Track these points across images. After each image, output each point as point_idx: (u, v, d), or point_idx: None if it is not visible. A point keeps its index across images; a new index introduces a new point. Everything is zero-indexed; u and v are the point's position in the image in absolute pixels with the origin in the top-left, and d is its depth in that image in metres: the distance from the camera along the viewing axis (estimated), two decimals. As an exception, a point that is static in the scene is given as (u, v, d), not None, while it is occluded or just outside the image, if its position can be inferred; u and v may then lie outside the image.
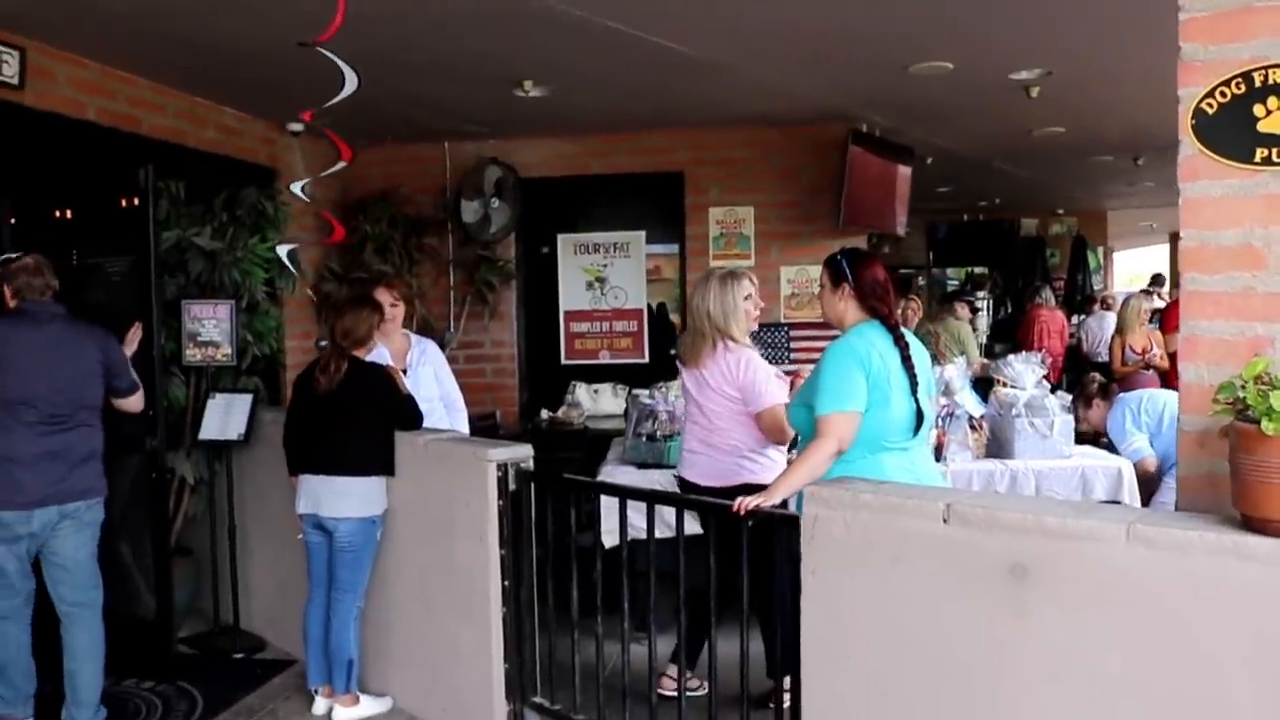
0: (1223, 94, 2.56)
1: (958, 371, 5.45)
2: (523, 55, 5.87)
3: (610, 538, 4.10)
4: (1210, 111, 2.58)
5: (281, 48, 4.89)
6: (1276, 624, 2.22)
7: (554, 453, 7.50)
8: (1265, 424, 2.14)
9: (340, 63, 4.08)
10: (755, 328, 4.57)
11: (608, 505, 4.11)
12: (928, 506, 2.72)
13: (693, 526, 3.71)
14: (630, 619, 3.91)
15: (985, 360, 9.00)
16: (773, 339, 7.80)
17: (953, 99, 7.07)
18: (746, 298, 4.47)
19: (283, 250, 5.89)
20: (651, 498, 3.88)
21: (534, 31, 5.29)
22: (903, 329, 3.70)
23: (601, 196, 8.48)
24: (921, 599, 2.77)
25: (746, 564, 3.34)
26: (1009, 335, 12.95)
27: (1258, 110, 2.52)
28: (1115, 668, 2.43)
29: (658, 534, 3.77)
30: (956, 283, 17.04)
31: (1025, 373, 5.37)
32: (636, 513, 3.89)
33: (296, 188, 5.59)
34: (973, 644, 2.68)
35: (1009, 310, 15.68)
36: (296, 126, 7.05)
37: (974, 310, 12.49)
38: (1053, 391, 5.48)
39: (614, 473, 5.38)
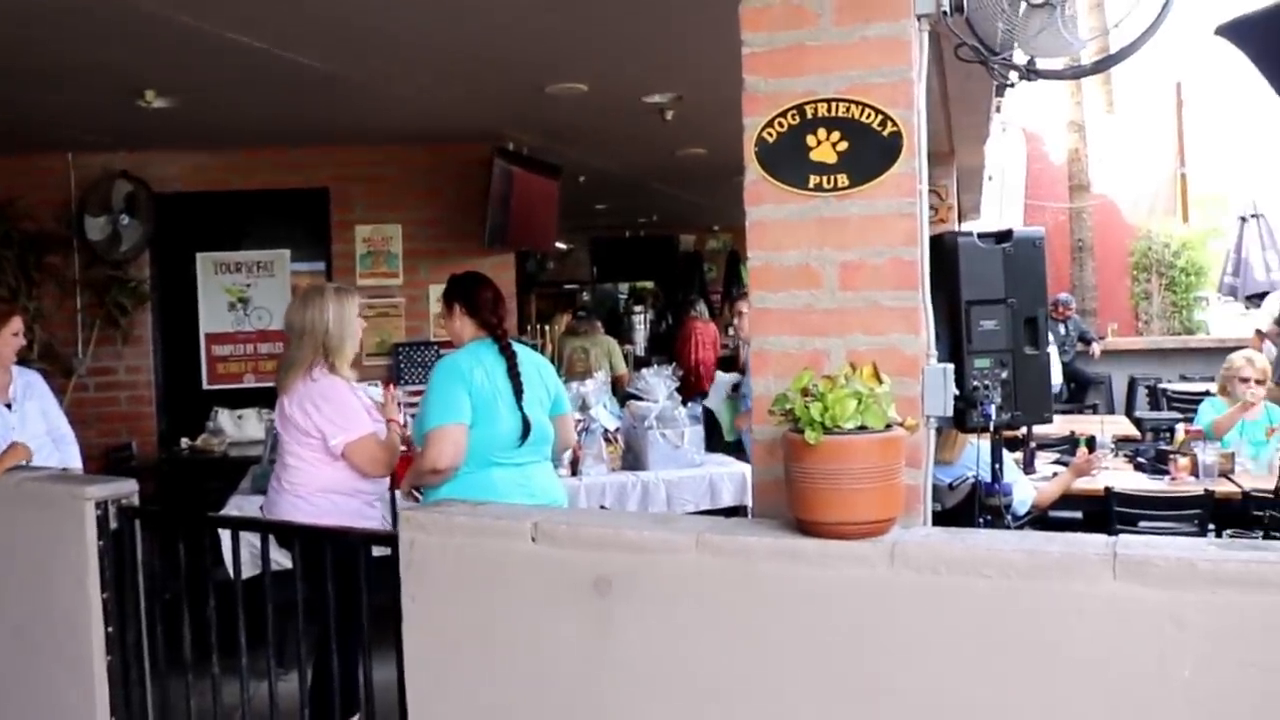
0: (781, 124, 2.73)
1: (594, 386, 5.57)
2: (140, 64, 5.52)
3: (243, 570, 3.89)
4: (771, 140, 2.74)
5: None
6: (829, 619, 2.39)
7: (198, 482, 7.10)
8: (809, 433, 2.29)
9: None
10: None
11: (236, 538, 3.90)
12: (517, 526, 2.74)
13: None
14: (248, 657, 3.72)
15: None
16: (422, 358, 7.74)
17: (591, 119, 7.26)
18: (358, 316, 4.23)
19: None
20: (266, 528, 3.72)
21: (149, 39, 4.99)
22: (518, 343, 3.77)
23: (243, 213, 8.15)
24: (518, 619, 2.78)
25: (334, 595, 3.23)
26: (668, 347, 13.46)
27: (810, 140, 2.71)
28: (702, 674, 2.53)
29: (287, 566, 3.61)
30: (624, 297, 17.57)
31: (658, 385, 5.56)
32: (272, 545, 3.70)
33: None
34: (569, 661, 2.72)
35: (669, 323, 16.32)
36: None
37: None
38: (684, 402, 5.70)
39: (242, 504, 5.14)
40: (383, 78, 5.94)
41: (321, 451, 4.03)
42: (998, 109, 11.47)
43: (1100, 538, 2.36)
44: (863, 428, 2.33)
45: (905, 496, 2.56)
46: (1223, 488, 5.16)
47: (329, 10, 4.70)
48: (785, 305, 2.73)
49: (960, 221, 14.10)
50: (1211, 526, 5.11)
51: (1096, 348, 12.01)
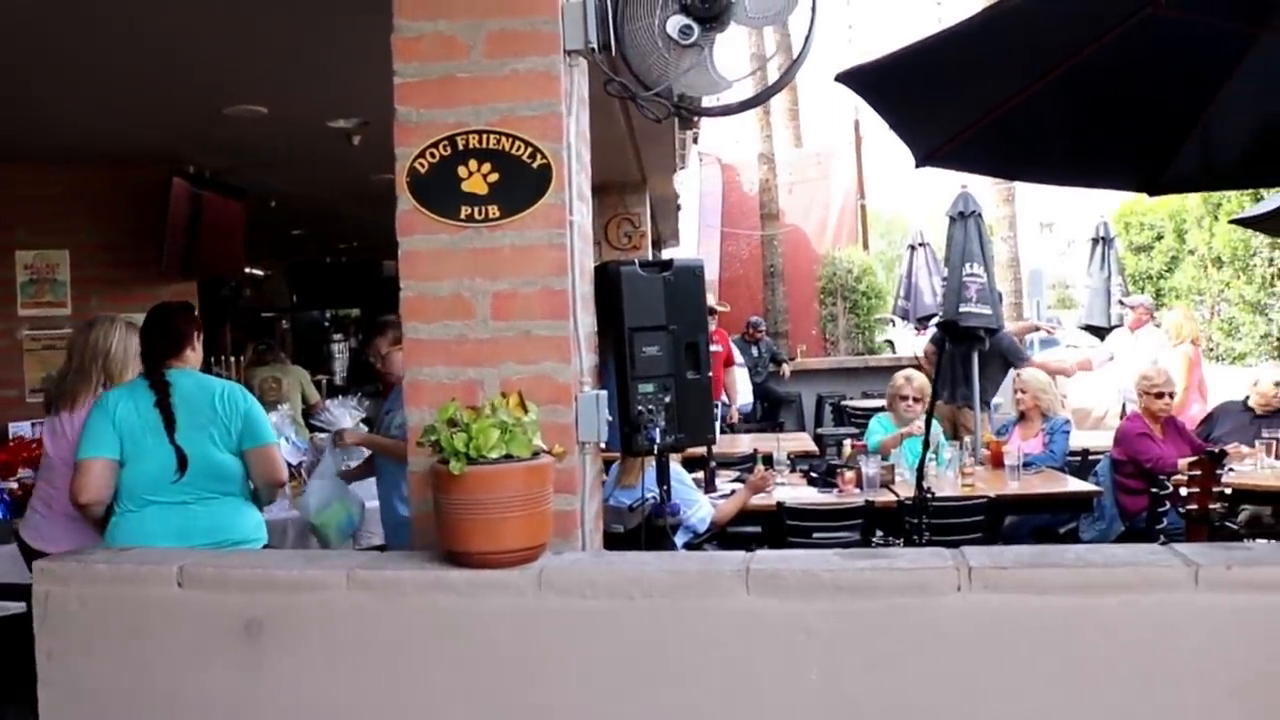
0: (433, 155, 2.73)
1: (277, 419, 5.37)
2: None
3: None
4: (423, 170, 2.74)
5: None
6: (481, 648, 2.39)
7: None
8: (453, 464, 2.29)
9: None
10: None
11: None
12: (161, 571, 2.60)
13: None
14: None
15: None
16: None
17: (276, 142, 7.03)
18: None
19: None
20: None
21: None
22: (198, 374, 3.62)
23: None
24: (167, 670, 2.62)
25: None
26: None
27: (461, 171, 2.72)
28: (359, 712, 2.47)
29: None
30: (329, 324, 17.09)
31: (342, 416, 5.41)
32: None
33: None
34: (222, 710, 2.59)
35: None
36: None
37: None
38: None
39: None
40: (48, 94, 5.54)
41: None
42: (695, 140, 11.96)
43: (737, 554, 2.48)
44: (509, 456, 2.35)
45: (559, 523, 2.61)
46: (883, 497, 5.55)
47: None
48: (438, 336, 2.73)
49: (659, 248, 14.59)
50: (881, 533, 5.48)
51: (787, 368, 12.64)
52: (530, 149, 2.71)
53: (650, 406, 3.30)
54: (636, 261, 3.35)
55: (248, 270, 12.72)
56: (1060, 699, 2.30)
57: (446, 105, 2.74)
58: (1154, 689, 2.27)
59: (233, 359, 9.76)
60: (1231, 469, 5.56)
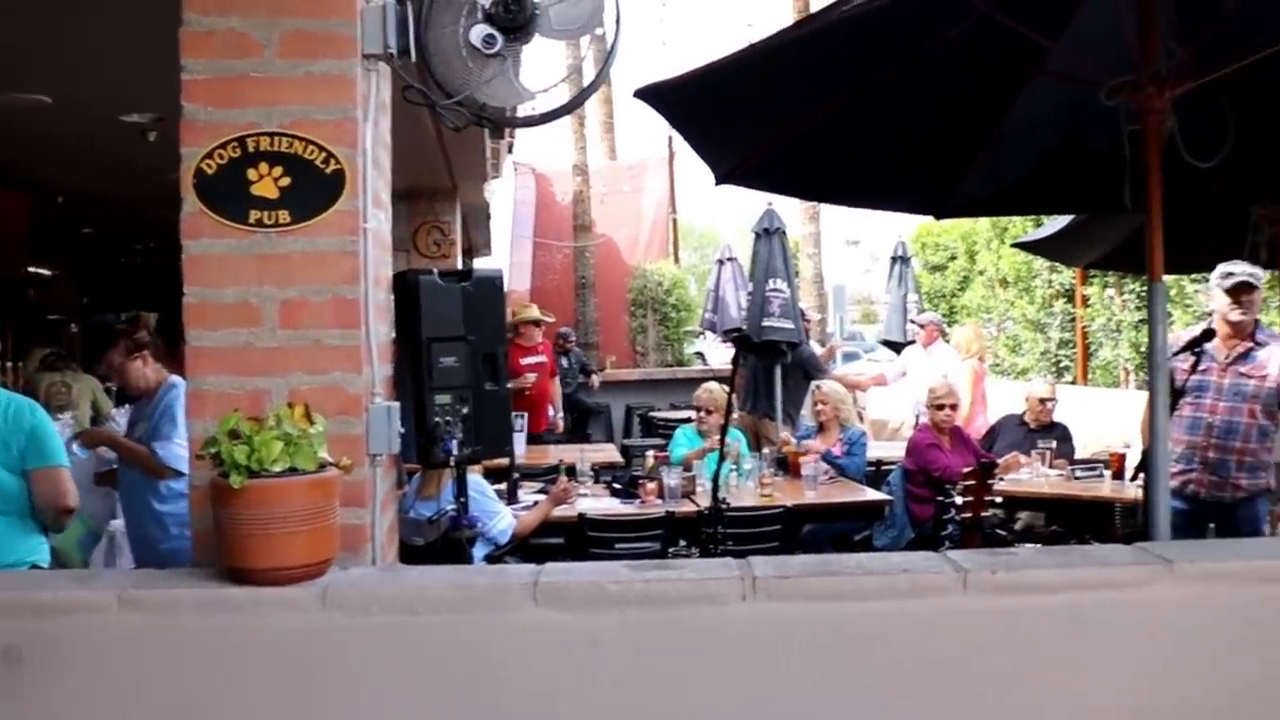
0: (221, 156, 2.64)
1: (62, 426, 5.09)
2: None
3: None
4: (210, 172, 2.64)
5: None
6: (266, 669, 2.31)
7: None
8: (234, 477, 2.21)
9: None
10: None
11: None
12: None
13: None
14: None
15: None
16: None
17: (62, 135, 6.67)
18: None
19: None
20: None
21: None
22: None
23: None
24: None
25: None
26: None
27: (251, 174, 2.63)
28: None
29: None
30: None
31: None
32: None
33: None
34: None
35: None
36: None
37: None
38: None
39: None
40: None
41: None
42: (509, 149, 11.90)
43: (527, 567, 2.47)
44: (293, 470, 2.28)
45: (348, 537, 2.55)
46: (684, 508, 5.64)
47: None
48: (223, 344, 2.63)
49: (470, 257, 14.48)
50: (684, 543, 5.57)
51: (596, 379, 12.71)
52: (324, 154, 2.64)
53: (447, 418, 3.26)
54: (435, 271, 3.32)
55: (31, 269, 12.01)
56: (840, 703, 2.38)
57: (237, 105, 2.65)
58: (927, 690, 2.38)
59: (11, 364, 9.21)
60: (1003, 479, 5.88)
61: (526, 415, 8.86)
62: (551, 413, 9.40)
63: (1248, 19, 3.61)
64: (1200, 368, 4.96)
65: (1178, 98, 3.67)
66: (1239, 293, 4.92)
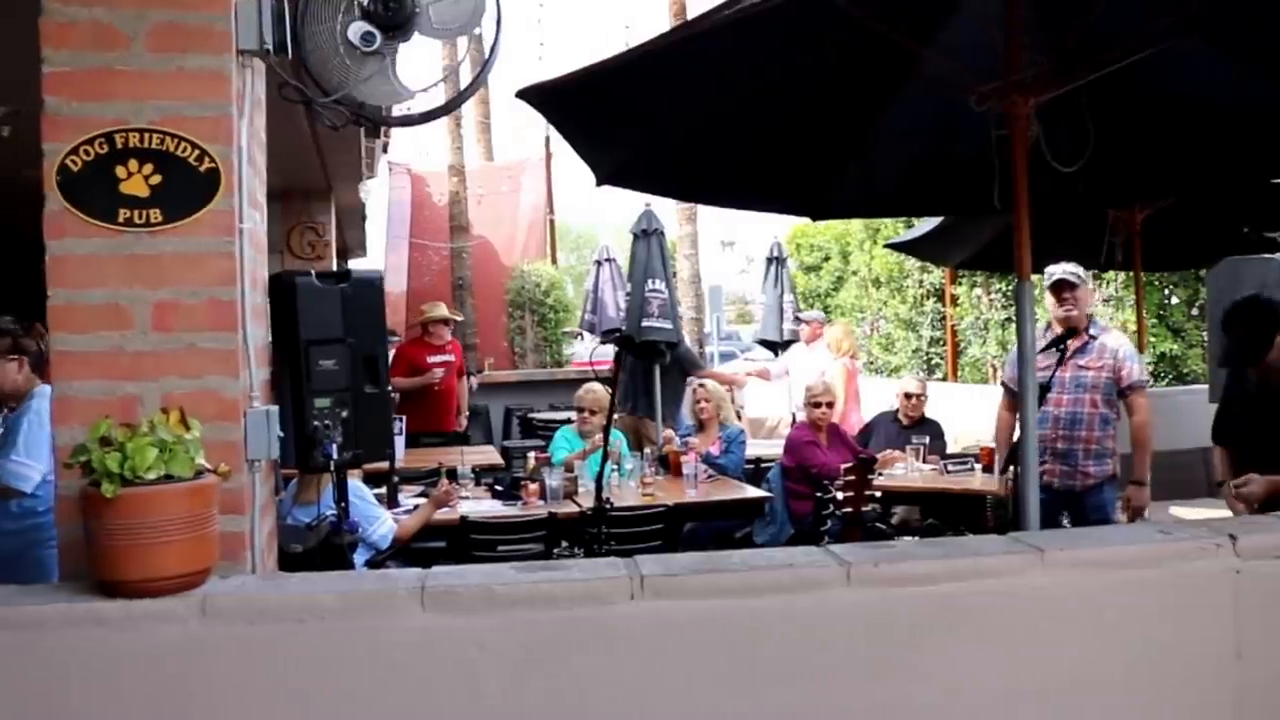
0: (87, 152, 2.54)
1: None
2: None
3: None
4: (75, 169, 2.54)
5: None
6: (143, 684, 2.24)
7: None
8: (105, 486, 2.13)
9: None
10: None
11: None
12: None
13: None
14: None
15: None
16: None
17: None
18: None
19: None
20: None
21: None
22: None
23: None
24: None
25: None
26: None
27: (120, 171, 2.54)
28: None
29: None
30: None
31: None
32: None
33: None
34: None
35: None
36: None
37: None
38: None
39: None
40: None
41: None
42: (385, 149, 11.72)
43: (413, 571, 2.44)
44: (169, 477, 2.21)
45: (226, 545, 2.48)
46: (566, 509, 5.64)
47: None
48: (91, 348, 2.53)
49: (345, 258, 14.21)
50: (566, 543, 5.55)
51: (474, 380, 12.61)
52: (197, 151, 2.57)
53: (327, 421, 3.21)
54: (313, 272, 3.25)
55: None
56: (729, 696, 2.41)
57: (103, 99, 2.55)
58: (814, 681, 2.42)
59: None
60: (882, 474, 6.03)
61: (431, 414, 8.89)
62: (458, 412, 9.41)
63: (1107, 32, 3.76)
64: (1043, 365, 5.15)
65: (1042, 104, 3.81)
66: (1060, 290, 5.25)
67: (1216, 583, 2.59)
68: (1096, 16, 3.63)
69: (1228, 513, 4.19)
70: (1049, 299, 5.36)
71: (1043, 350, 4.91)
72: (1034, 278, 4.08)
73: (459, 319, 10.54)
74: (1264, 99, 4.15)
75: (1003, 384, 5.85)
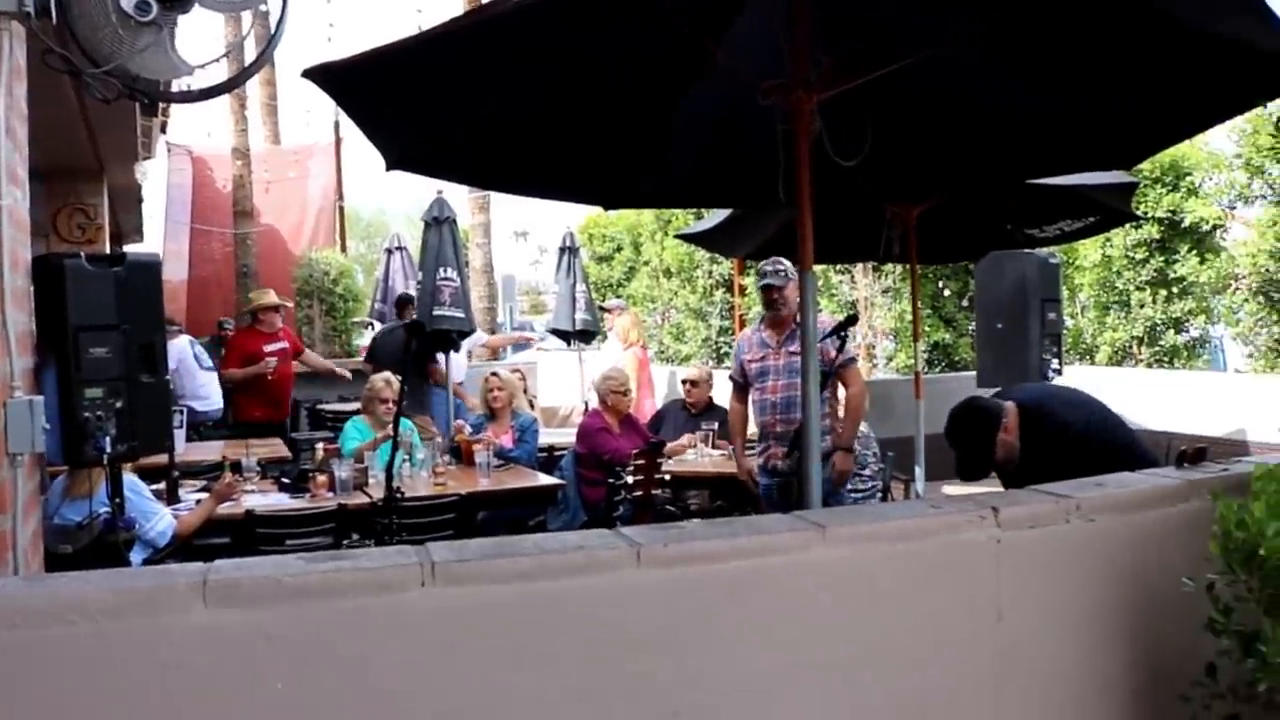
0: None
1: None
2: None
3: None
4: None
5: None
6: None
7: None
8: None
9: None
10: None
11: None
12: None
13: None
14: None
15: None
16: None
17: None
18: None
19: None
20: None
21: None
22: None
23: None
24: None
25: None
26: None
27: None
28: None
29: None
30: None
31: None
32: None
33: None
34: None
35: None
36: None
37: None
38: None
39: None
40: None
41: None
42: (163, 129, 11.15)
43: (195, 565, 2.34)
44: (-81, 471, 2.06)
45: (-15, 544, 2.33)
46: (356, 500, 5.52)
47: None
48: None
49: (119, 243, 13.48)
50: (357, 535, 5.44)
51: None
52: (-51, 123, 2.40)
53: (99, 412, 3.06)
54: (82, 255, 3.09)
55: None
56: (524, 680, 2.41)
57: None
58: (609, 661, 2.46)
59: None
60: (670, 459, 6.17)
61: (266, 403, 8.77)
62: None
63: (886, 35, 3.94)
64: (760, 356, 5.80)
65: (824, 102, 3.96)
66: (769, 293, 5.77)
67: (981, 551, 2.77)
68: (878, 19, 3.79)
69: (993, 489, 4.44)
70: (761, 298, 5.92)
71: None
72: (816, 268, 4.24)
73: (288, 305, 10.33)
74: (1024, 107, 4.43)
75: (731, 378, 6.11)
